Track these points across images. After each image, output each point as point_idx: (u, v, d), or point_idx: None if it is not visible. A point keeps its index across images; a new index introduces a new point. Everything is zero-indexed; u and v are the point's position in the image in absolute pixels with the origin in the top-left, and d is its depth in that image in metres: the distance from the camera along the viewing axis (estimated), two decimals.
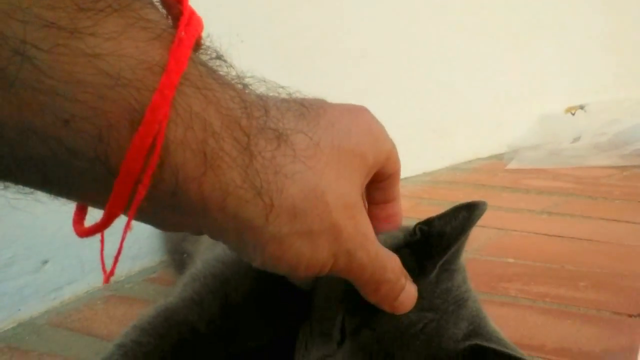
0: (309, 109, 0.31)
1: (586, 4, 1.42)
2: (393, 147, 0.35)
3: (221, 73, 0.27)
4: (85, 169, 0.25)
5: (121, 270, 0.75)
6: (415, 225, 0.38)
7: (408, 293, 0.36)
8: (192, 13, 0.28)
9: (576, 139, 1.27)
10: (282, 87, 0.32)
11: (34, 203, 0.62)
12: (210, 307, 0.42)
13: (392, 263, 0.35)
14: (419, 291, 0.37)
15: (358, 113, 0.34)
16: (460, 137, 1.24)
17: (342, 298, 0.37)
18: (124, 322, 0.63)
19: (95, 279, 0.72)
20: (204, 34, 0.29)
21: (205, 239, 0.56)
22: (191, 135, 0.25)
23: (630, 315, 0.58)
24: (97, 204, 0.27)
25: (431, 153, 1.19)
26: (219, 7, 0.89)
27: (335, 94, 1.21)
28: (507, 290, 0.65)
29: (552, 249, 0.76)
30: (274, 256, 0.30)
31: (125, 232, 0.27)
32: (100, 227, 0.27)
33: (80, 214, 0.29)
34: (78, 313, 0.66)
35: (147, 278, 0.75)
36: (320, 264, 0.31)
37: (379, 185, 0.36)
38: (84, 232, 0.28)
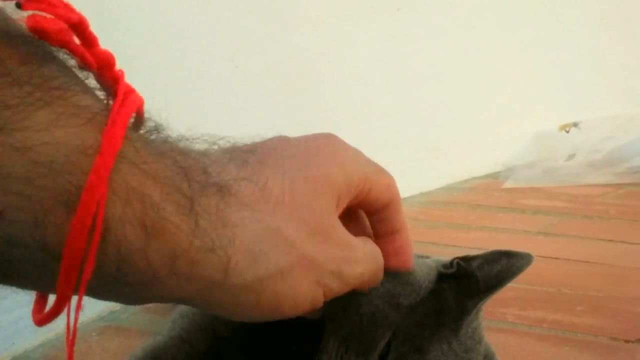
0: (254, 154, 0.32)
1: (577, 21, 1.44)
2: (376, 173, 0.35)
3: (160, 142, 0.28)
4: (27, 256, 0.25)
5: None
6: (453, 259, 0.39)
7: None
8: (129, 92, 0.29)
9: (571, 156, 1.27)
10: (223, 138, 0.33)
11: None
12: (199, 345, 0.42)
13: (377, 250, 0.35)
14: (460, 331, 0.38)
15: (321, 141, 0.34)
16: (455, 156, 1.24)
17: (392, 323, 0.37)
18: (118, 354, 0.63)
19: (90, 310, 0.72)
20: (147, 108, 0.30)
21: None
22: (130, 210, 0.26)
23: (627, 341, 0.58)
24: (49, 290, 0.27)
25: (427, 173, 1.20)
26: (213, 33, 0.90)
27: (330, 116, 1.22)
28: (505, 316, 0.64)
29: (548, 271, 0.76)
30: (250, 306, 0.30)
31: (77, 312, 0.27)
32: (54, 313, 0.27)
33: (40, 303, 0.29)
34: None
35: (143, 308, 0.74)
36: (308, 299, 0.31)
37: (378, 217, 0.36)
38: (41, 321, 0.28)
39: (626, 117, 1.33)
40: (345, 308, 0.38)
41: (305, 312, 0.32)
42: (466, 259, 0.40)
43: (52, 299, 0.28)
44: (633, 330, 0.60)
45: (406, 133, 1.16)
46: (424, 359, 0.37)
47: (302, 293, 0.31)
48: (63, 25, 0.27)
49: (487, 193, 1.15)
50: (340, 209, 0.34)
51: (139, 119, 0.29)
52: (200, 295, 0.29)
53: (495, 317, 0.64)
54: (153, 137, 0.29)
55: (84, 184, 0.25)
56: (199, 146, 0.31)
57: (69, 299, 0.26)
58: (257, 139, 0.34)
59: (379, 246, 0.37)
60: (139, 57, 0.80)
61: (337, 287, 0.32)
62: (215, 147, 0.32)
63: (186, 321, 0.43)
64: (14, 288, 0.69)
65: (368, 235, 0.37)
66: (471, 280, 0.38)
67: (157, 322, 0.69)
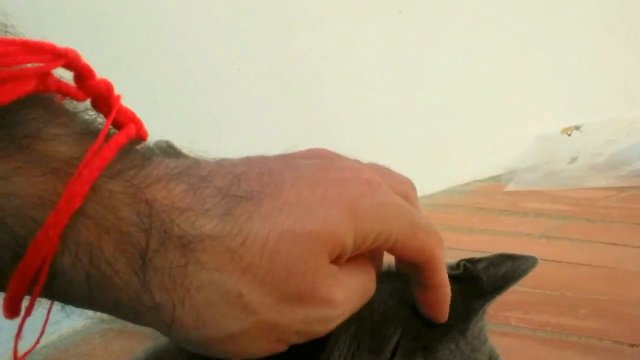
0: (247, 198, 0.28)
1: (579, 25, 1.44)
2: (406, 233, 0.30)
3: (131, 186, 0.27)
4: None
5: None
6: (460, 261, 0.40)
7: None
8: (127, 120, 0.29)
9: (573, 160, 1.27)
10: (230, 159, 0.30)
11: None
12: None
13: (367, 283, 0.32)
14: (467, 331, 0.38)
15: (346, 186, 0.29)
16: (457, 159, 1.24)
17: (402, 320, 0.37)
18: (121, 357, 0.63)
19: (93, 312, 0.72)
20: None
21: None
22: (78, 263, 0.26)
23: (631, 345, 0.58)
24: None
25: (429, 176, 1.20)
26: (215, 36, 0.90)
27: (332, 118, 1.22)
28: (508, 320, 0.64)
29: (551, 274, 0.76)
30: (198, 352, 0.30)
31: (15, 343, 0.28)
32: (6, 316, 0.29)
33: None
34: (76, 348, 0.66)
35: None
36: (262, 352, 0.30)
37: (414, 272, 0.33)
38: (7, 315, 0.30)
39: (628, 121, 1.33)
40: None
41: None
42: (472, 261, 0.40)
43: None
44: (637, 333, 0.60)
45: (408, 136, 1.16)
46: (433, 357, 0.37)
47: (255, 352, 0.30)
48: (25, 87, 0.26)
49: (489, 196, 1.15)
50: (344, 260, 0.30)
51: (130, 147, 0.28)
52: (152, 328, 0.29)
53: (499, 321, 0.64)
54: (125, 182, 0.27)
55: (34, 237, 0.25)
56: (183, 186, 0.28)
57: (13, 317, 0.28)
58: (291, 149, 0.31)
59: (413, 291, 0.34)
60: (141, 60, 0.80)
61: (301, 340, 0.31)
62: (214, 179, 0.29)
63: None
64: None
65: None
66: (477, 282, 0.39)
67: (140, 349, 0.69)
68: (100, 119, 0.29)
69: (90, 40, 0.74)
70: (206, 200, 0.28)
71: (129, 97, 0.94)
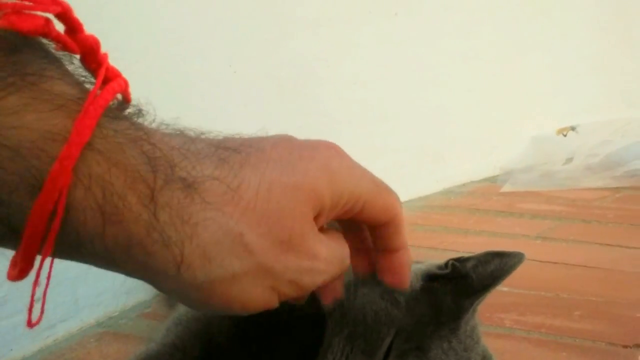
0: (239, 152, 0.31)
1: (575, 26, 1.44)
2: (372, 193, 0.34)
3: (134, 130, 0.29)
4: None
5: (115, 306, 0.74)
6: (448, 261, 0.41)
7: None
8: (114, 76, 0.30)
9: (569, 160, 1.28)
10: (211, 132, 0.32)
11: None
12: (193, 352, 0.42)
13: (343, 252, 0.35)
14: (459, 330, 0.39)
15: (319, 150, 0.33)
16: (453, 160, 1.24)
17: (394, 321, 0.38)
18: None
19: (89, 316, 0.72)
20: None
21: None
22: (90, 196, 0.27)
23: (625, 346, 0.58)
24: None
25: (425, 177, 1.20)
26: (211, 38, 0.90)
27: (329, 120, 1.22)
28: (503, 321, 0.65)
29: (546, 276, 0.76)
30: (199, 302, 0.31)
31: (34, 287, 0.29)
32: (20, 275, 0.29)
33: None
34: (71, 352, 0.65)
35: (142, 313, 0.74)
36: (259, 302, 0.32)
37: (377, 233, 0.36)
38: (14, 276, 0.30)
39: (624, 121, 1.34)
40: (348, 307, 0.39)
41: (257, 311, 0.33)
42: (460, 260, 0.41)
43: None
44: (631, 335, 0.60)
45: (404, 137, 1.16)
46: (426, 356, 0.38)
47: (253, 297, 0.31)
48: (38, 21, 0.27)
49: (485, 197, 1.15)
50: (322, 222, 0.33)
51: (123, 102, 0.30)
52: (154, 282, 0.30)
53: (493, 323, 0.64)
54: (127, 123, 0.29)
55: (49, 170, 0.26)
56: (179, 139, 0.30)
57: (28, 271, 0.28)
58: (260, 133, 0.34)
59: (377, 260, 0.37)
60: (138, 62, 0.80)
61: (293, 293, 0.33)
62: (203, 137, 0.32)
63: (180, 329, 0.43)
64: (13, 295, 0.69)
65: (365, 249, 0.38)
66: (467, 281, 0.40)
67: (155, 328, 0.69)
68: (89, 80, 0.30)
69: None
70: (202, 150, 0.30)
71: None
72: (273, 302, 0.32)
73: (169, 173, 0.29)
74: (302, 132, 1.20)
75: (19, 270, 0.28)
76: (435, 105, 1.21)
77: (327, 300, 0.38)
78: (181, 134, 0.31)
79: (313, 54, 1.03)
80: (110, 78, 0.30)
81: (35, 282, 0.28)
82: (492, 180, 1.26)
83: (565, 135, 1.35)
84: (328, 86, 1.06)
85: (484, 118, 1.29)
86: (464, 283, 0.40)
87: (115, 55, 0.88)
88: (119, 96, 0.31)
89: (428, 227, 1.00)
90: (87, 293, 0.72)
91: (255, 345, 0.42)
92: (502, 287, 0.73)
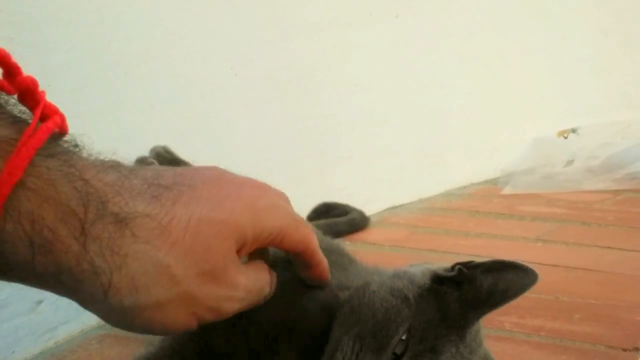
0: (171, 190, 0.34)
1: (575, 28, 1.45)
2: (289, 228, 0.37)
3: (67, 167, 0.32)
4: None
5: None
6: (455, 264, 0.41)
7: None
8: (52, 113, 0.33)
9: (569, 162, 1.28)
10: (148, 168, 0.35)
11: None
12: (191, 356, 0.43)
13: (263, 282, 0.38)
14: (466, 336, 0.40)
15: (244, 188, 0.36)
16: (454, 162, 1.25)
17: (405, 318, 0.39)
18: None
19: (90, 318, 0.72)
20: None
21: None
22: (20, 229, 0.30)
23: (624, 350, 0.58)
24: None
25: (426, 179, 1.20)
26: (212, 41, 0.91)
27: (329, 123, 1.22)
28: (503, 324, 0.65)
29: (546, 278, 0.75)
30: (123, 324, 0.34)
31: None
32: None
33: None
34: (72, 354, 0.66)
35: None
36: (179, 325, 0.35)
37: (295, 257, 0.40)
38: None
39: (624, 123, 1.34)
40: (358, 305, 0.40)
41: (176, 333, 0.36)
42: (468, 266, 0.40)
43: None
44: (631, 338, 0.60)
45: (405, 139, 1.17)
46: (438, 359, 0.38)
47: (174, 322, 0.34)
48: None
49: (485, 199, 1.15)
50: (244, 253, 0.37)
51: (59, 137, 0.33)
52: (82, 303, 0.33)
53: (493, 325, 0.64)
54: (60, 161, 0.32)
55: None
56: (113, 175, 0.33)
57: None
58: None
59: (300, 274, 0.41)
60: (138, 65, 0.80)
61: (211, 318, 0.36)
62: (137, 172, 0.34)
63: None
64: (14, 297, 0.68)
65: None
66: (475, 292, 0.40)
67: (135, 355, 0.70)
68: (27, 115, 0.32)
69: (87, 47, 0.74)
70: (135, 186, 0.33)
71: (126, 103, 0.95)
72: (192, 325, 0.35)
73: (100, 208, 0.32)
74: (302, 134, 1.21)
75: None
76: (435, 107, 1.21)
77: (308, 282, 0.41)
78: (116, 169, 0.33)
79: (314, 56, 1.04)
80: (48, 115, 0.33)
81: None
82: (493, 182, 1.26)
83: (565, 138, 1.35)
84: (329, 89, 1.06)
85: (484, 120, 1.29)
86: (472, 293, 0.40)
87: (117, 59, 0.89)
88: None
89: (428, 229, 1.00)
90: None
91: (254, 350, 0.42)
92: None
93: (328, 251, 0.46)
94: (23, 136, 0.30)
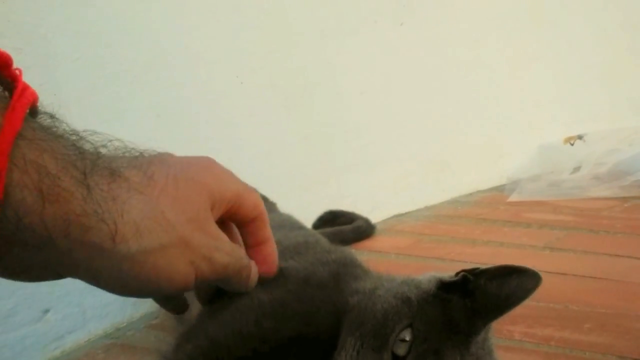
0: (143, 155, 0.37)
1: (581, 34, 1.44)
2: (246, 191, 0.41)
3: (56, 129, 0.33)
4: None
5: (123, 317, 0.74)
6: (460, 272, 0.41)
7: (254, 270, 0.42)
8: (26, 87, 0.34)
9: (576, 169, 1.27)
10: (116, 139, 0.37)
11: None
12: None
13: (242, 250, 0.41)
14: (471, 343, 0.40)
15: (200, 159, 0.40)
16: (460, 170, 1.24)
17: (402, 316, 0.39)
18: None
19: (97, 327, 0.72)
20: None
21: None
22: (27, 177, 0.30)
23: None
24: None
25: (432, 186, 1.20)
26: (218, 49, 0.91)
27: (335, 130, 1.22)
28: (512, 334, 0.64)
29: (555, 287, 0.75)
30: (131, 275, 0.34)
31: None
32: None
33: None
34: None
35: (149, 324, 0.74)
36: (182, 275, 0.36)
37: (247, 230, 0.42)
38: None
39: (631, 130, 1.33)
40: (364, 309, 0.41)
41: (178, 289, 0.37)
42: (474, 273, 0.40)
43: None
44: None
45: (411, 147, 1.16)
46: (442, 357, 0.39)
47: (178, 270, 0.35)
48: None
49: (492, 207, 1.15)
50: (215, 216, 0.39)
51: (35, 110, 0.34)
52: (88, 262, 0.33)
53: (502, 335, 0.64)
54: (50, 120, 0.33)
55: None
56: (88, 145, 0.35)
57: None
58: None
59: (249, 255, 0.42)
60: (144, 74, 0.81)
61: (207, 271, 0.37)
62: (109, 144, 0.36)
63: (190, 347, 0.43)
64: (21, 306, 0.69)
65: (238, 244, 0.43)
66: (480, 299, 0.40)
67: (163, 339, 0.69)
68: None
69: (93, 56, 0.74)
70: (116, 151, 0.36)
71: (132, 111, 0.95)
72: (190, 279, 0.36)
73: (95, 160, 0.33)
74: (308, 142, 1.21)
75: None
76: (441, 114, 1.21)
77: (260, 269, 0.43)
78: (94, 138, 0.36)
79: (319, 64, 1.04)
80: (25, 89, 0.34)
81: None
82: (499, 189, 1.25)
83: (572, 144, 1.35)
84: (334, 96, 1.06)
85: (490, 127, 1.29)
86: (478, 300, 0.40)
87: (124, 67, 0.89)
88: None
89: (435, 237, 0.99)
90: (94, 304, 0.72)
91: None
92: None
93: (341, 263, 0.47)
94: (14, 95, 0.32)
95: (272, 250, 0.43)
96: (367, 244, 0.97)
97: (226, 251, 0.38)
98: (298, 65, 1.01)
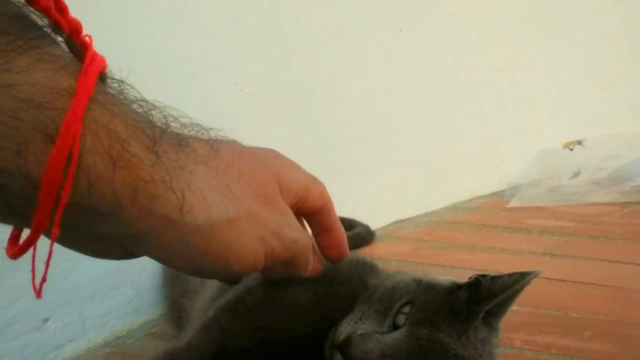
0: (208, 132, 0.37)
1: (580, 39, 1.44)
2: (313, 182, 0.40)
3: (125, 93, 0.33)
4: (9, 184, 0.29)
5: (122, 326, 0.74)
6: (473, 276, 0.44)
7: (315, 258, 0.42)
8: (96, 53, 0.34)
9: (576, 174, 1.27)
10: (185, 116, 0.37)
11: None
12: (210, 355, 0.45)
13: (308, 233, 0.41)
14: (469, 330, 0.42)
15: (269, 149, 0.40)
16: (460, 175, 1.24)
17: (412, 292, 0.43)
18: None
19: (97, 336, 0.72)
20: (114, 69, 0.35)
21: (202, 297, 0.56)
22: (98, 142, 0.30)
23: None
24: (24, 222, 0.31)
25: (432, 192, 1.20)
26: (217, 57, 0.91)
27: (335, 137, 1.22)
28: (512, 342, 0.64)
29: (555, 294, 0.75)
30: (199, 249, 0.33)
31: (52, 238, 0.30)
32: (29, 242, 0.31)
33: (15, 238, 0.33)
34: None
35: (149, 333, 0.74)
36: (251, 251, 0.35)
37: (315, 219, 0.42)
38: (15, 253, 0.31)
39: (631, 135, 1.33)
40: (377, 287, 0.44)
41: (248, 268, 0.35)
42: (485, 275, 0.44)
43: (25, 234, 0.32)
44: None
45: (410, 153, 1.16)
46: (436, 334, 0.41)
47: (247, 246, 0.34)
48: (48, 1, 0.31)
49: (492, 212, 1.15)
50: (276, 188, 0.38)
51: (104, 77, 0.34)
52: (156, 232, 0.32)
53: (503, 343, 0.63)
54: (119, 88, 0.33)
55: (61, 120, 0.29)
56: (159, 114, 0.34)
57: (44, 227, 0.30)
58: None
59: (319, 243, 0.42)
60: (146, 82, 0.80)
61: (278, 248, 0.36)
62: (177, 118, 0.36)
63: (204, 333, 0.46)
64: (21, 315, 0.69)
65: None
66: (483, 290, 0.43)
67: (162, 347, 0.69)
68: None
69: None
70: (180, 125, 0.35)
71: None
72: (260, 257, 0.35)
73: (164, 128, 0.33)
74: (308, 149, 1.21)
75: (32, 232, 0.30)
76: (440, 120, 1.21)
77: (329, 254, 0.43)
78: (160, 109, 0.35)
79: (318, 71, 1.04)
80: (95, 54, 0.34)
81: (54, 233, 0.30)
82: (499, 195, 1.25)
83: (571, 149, 1.35)
84: (334, 103, 1.06)
85: (489, 132, 1.29)
86: (480, 292, 0.43)
87: (123, 75, 0.89)
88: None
89: (435, 244, 0.99)
90: (94, 313, 0.72)
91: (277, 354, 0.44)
92: (512, 306, 0.73)
93: (359, 263, 0.50)
94: (86, 59, 0.31)
95: (341, 235, 0.43)
96: (367, 250, 0.97)
97: (295, 227, 0.38)
98: (297, 72, 1.01)
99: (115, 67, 0.85)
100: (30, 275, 0.67)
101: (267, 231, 0.35)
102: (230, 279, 0.43)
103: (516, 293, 0.44)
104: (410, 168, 1.16)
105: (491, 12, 1.30)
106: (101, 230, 0.32)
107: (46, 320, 0.69)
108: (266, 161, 0.37)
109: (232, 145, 0.36)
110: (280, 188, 0.37)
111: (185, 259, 0.33)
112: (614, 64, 1.47)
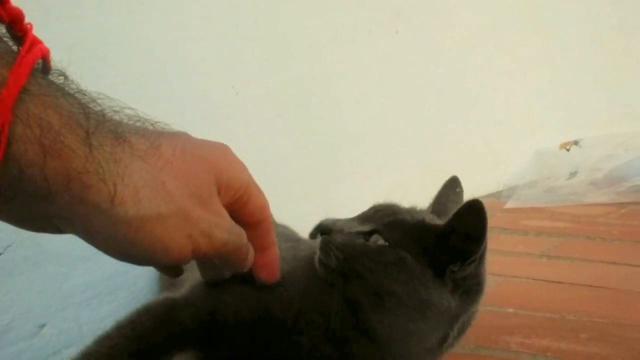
0: (154, 125, 0.37)
1: (577, 40, 1.45)
2: (255, 188, 0.41)
3: (65, 88, 0.34)
4: None
5: None
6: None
7: (251, 251, 0.42)
8: (37, 42, 0.34)
9: (572, 175, 1.27)
10: (130, 108, 0.37)
11: (30, 267, 0.62)
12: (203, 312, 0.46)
13: (242, 231, 0.41)
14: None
15: (216, 143, 0.40)
16: (457, 176, 1.24)
17: (391, 216, 0.49)
18: None
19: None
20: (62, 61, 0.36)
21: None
22: (29, 131, 0.31)
23: None
24: None
25: (428, 194, 1.19)
26: (213, 60, 0.91)
27: (331, 140, 1.22)
28: (509, 345, 0.64)
29: (552, 296, 0.75)
30: (126, 239, 0.34)
31: None
32: None
33: None
34: None
35: None
36: (177, 246, 0.36)
37: (252, 234, 0.42)
38: None
39: (627, 135, 1.33)
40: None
41: (173, 261, 0.37)
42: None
43: None
44: (638, 358, 0.59)
45: (407, 155, 1.16)
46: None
47: (173, 241, 0.36)
48: None
49: (489, 213, 1.12)
50: (221, 201, 0.39)
51: (46, 66, 0.34)
52: (86, 220, 0.33)
53: (499, 346, 0.64)
54: (59, 80, 0.33)
55: None
56: (98, 107, 0.35)
57: None
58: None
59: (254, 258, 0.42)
60: (140, 86, 0.81)
61: (205, 246, 0.37)
62: (121, 111, 0.36)
63: (187, 311, 0.46)
64: (17, 322, 0.69)
65: None
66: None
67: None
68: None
69: (88, 68, 0.74)
70: (124, 117, 0.36)
71: None
72: (187, 252, 0.36)
73: (100, 120, 0.33)
74: (304, 151, 1.21)
75: None
76: (437, 121, 1.21)
77: (261, 274, 0.43)
78: (102, 101, 0.36)
79: (314, 74, 1.04)
80: (35, 44, 0.34)
81: None
82: (496, 195, 1.25)
83: (568, 150, 1.35)
84: (330, 105, 1.06)
85: (486, 134, 1.29)
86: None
87: (119, 80, 0.89)
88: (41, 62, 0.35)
89: None
90: (90, 319, 0.72)
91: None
92: (508, 308, 0.73)
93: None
94: (22, 50, 0.32)
95: (274, 257, 0.44)
96: None
97: (226, 228, 0.38)
98: (293, 75, 1.01)
99: (113, 70, 0.85)
100: (26, 282, 0.67)
101: (196, 230, 0.37)
102: (170, 270, 0.44)
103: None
104: (407, 170, 1.16)
105: (488, 13, 1.30)
106: (36, 210, 0.33)
107: (42, 326, 0.68)
108: (208, 159, 0.38)
109: (176, 141, 0.37)
110: (218, 185, 0.38)
111: (113, 246, 0.35)
112: (610, 65, 1.47)
